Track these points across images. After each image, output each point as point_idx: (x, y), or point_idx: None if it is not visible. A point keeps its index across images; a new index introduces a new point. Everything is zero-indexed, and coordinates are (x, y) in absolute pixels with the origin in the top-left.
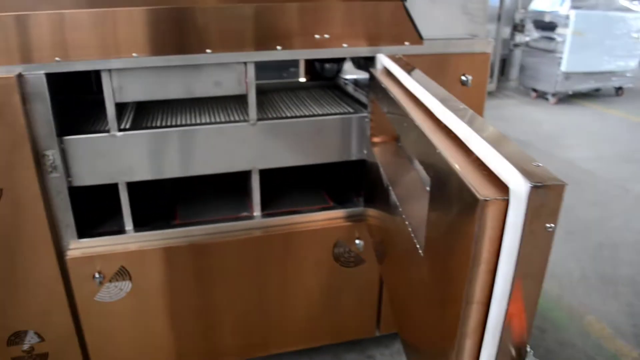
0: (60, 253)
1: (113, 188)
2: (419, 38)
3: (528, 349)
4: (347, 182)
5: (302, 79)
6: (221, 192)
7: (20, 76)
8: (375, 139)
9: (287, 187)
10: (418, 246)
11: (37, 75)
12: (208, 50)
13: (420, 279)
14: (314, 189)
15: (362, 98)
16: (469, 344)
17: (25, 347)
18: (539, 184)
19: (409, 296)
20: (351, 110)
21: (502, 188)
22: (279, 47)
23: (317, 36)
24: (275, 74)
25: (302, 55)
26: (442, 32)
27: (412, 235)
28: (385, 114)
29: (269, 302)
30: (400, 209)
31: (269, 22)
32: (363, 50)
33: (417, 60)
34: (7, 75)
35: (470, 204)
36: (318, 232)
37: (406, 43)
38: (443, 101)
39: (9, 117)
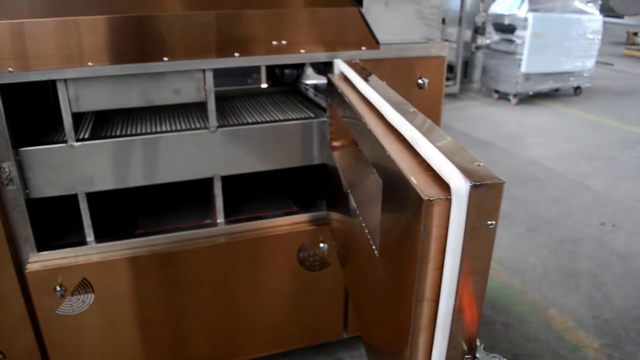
0: (19, 267)
1: (73, 199)
2: (375, 43)
3: (478, 342)
4: (310, 187)
5: (264, 85)
6: (184, 200)
7: None
8: (335, 144)
9: (250, 193)
10: (374, 247)
11: None
12: (165, 58)
13: (376, 279)
14: (278, 194)
15: (323, 103)
16: (422, 340)
17: None
18: (479, 183)
19: (367, 297)
20: (312, 115)
21: (446, 188)
22: (236, 54)
23: (274, 42)
24: (240, 80)
25: (260, 61)
26: (398, 37)
27: (369, 237)
28: (342, 118)
29: (237, 308)
30: (358, 212)
31: (227, 29)
32: (321, 56)
33: (374, 65)
34: None
35: (416, 203)
36: (282, 237)
37: (363, 48)
38: (394, 105)
39: None
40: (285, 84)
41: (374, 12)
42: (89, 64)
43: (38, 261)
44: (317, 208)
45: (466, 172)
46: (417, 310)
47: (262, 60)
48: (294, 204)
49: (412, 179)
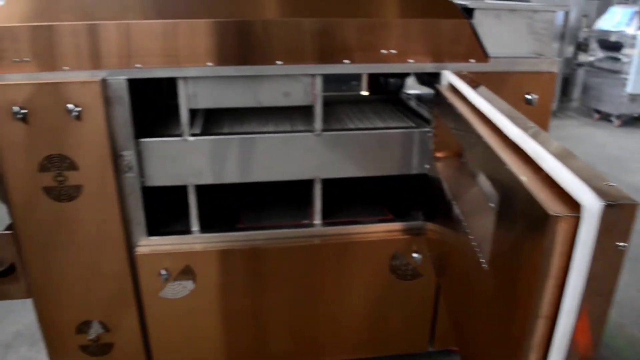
0: (130, 249)
1: (181, 190)
2: (484, 56)
3: None
4: (406, 196)
5: (364, 93)
6: (283, 199)
7: (104, 81)
8: (439, 154)
9: (347, 198)
10: (482, 260)
11: (119, 80)
12: (278, 62)
13: (484, 292)
14: (374, 201)
15: (425, 113)
16: (533, 358)
17: (92, 336)
18: (613, 203)
19: (470, 310)
20: (413, 124)
21: (573, 205)
22: (346, 61)
23: (383, 51)
24: (335, 86)
25: (368, 69)
26: (507, 51)
27: (476, 249)
28: (450, 129)
29: (322, 310)
30: (464, 224)
31: (339, 37)
32: (429, 67)
33: (481, 78)
34: (92, 79)
35: (540, 219)
36: (376, 244)
37: (472, 60)
38: (512, 119)
39: (93, 118)
40: (387, 92)
41: (485, 25)
42: (208, 64)
43: (147, 245)
44: (413, 217)
45: (598, 191)
46: (531, 326)
47: (371, 68)
48: (389, 211)
49: (537, 194)
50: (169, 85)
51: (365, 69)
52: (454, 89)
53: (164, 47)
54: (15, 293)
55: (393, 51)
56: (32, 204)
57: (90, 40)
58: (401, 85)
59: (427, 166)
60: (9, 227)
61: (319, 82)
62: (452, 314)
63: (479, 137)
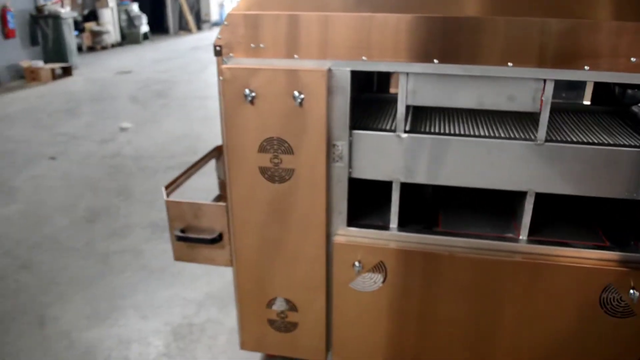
0: (328, 236)
1: (381, 184)
2: None
3: None
4: (626, 223)
5: (587, 102)
6: (486, 206)
7: (329, 71)
8: None
9: (556, 214)
10: None
11: (343, 71)
12: (510, 64)
13: None
14: (587, 223)
15: None
16: None
17: (281, 311)
18: None
19: None
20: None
21: None
22: (586, 67)
23: (633, 59)
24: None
25: (612, 78)
26: None
27: None
28: None
29: (511, 331)
30: None
31: (579, 39)
32: None
33: None
34: (319, 69)
35: None
36: (589, 272)
37: None
38: None
39: (315, 106)
40: (616, 104)
41: None
42: (435, 60)
43: (345, 235)
44: (632, 248)
45: None
46: None
47: (615, 77)
48: (605, 237)
49: None
50: (380, 79)
51: (608, 77)
52: None
53: (388, 42)
54: (220, 260)
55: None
56: (247, 182)
57: (321, 30)
58: (638, 98)
59: None
60: (218, 198)
61: (549, 88)
62: None
63: None
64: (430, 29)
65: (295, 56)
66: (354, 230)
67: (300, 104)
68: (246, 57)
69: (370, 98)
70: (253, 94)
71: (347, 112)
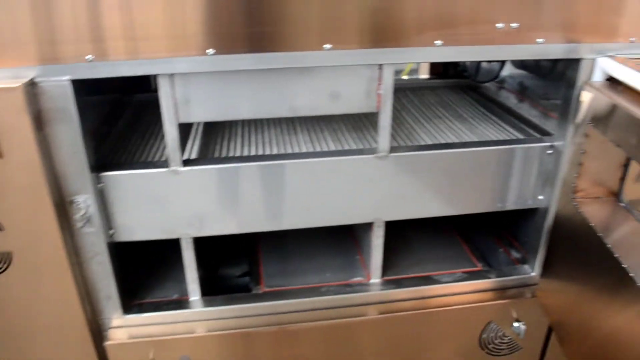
0: (97, 337)
1: (174, 243)
2: None
3: None
4: (496, 233)
5: (423, 76)
6: (321, 241)
7: (32, 85)
8: (585, 187)
9: (411, 234)
10: None
11: (59, 83)
12: (327, 46)
13: None
14: (447, 234)
15: (533, 117)
16: None
17: None
18: None
19: None
20: (521, 135)
21: None
22: (438, 42)
23: (500, 25)
24: None
25: (475, 54)
26: None
27: None
28: (618, 147)
29: None
30: None
31: (424, 4)
32: (567, 50)
33: None
34: (10, 85)
35: None
36: (462, 312)
37: (632, 39)
38: None
39: (17, 148)
40: (464, 77)
41: None
42: (209, 51)
43: (123, 327)
44: (514, 268)
45: None
46: None
47: (480, 53)
48: (475, 257)
49: None
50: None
51: (468, 54)
52: (615, 85)
53: (131, 25)
54: None
55: (513, 25)
56: None
57: (7, 14)
58: (498, 72)
59: (541, 197)
60: None
61: (388, 75)
62: None
63: None
64: (201, 3)
65: None
66: (135, 317)
67: None
68: None
69: (147, 100)
70: None
71: (81, 148)
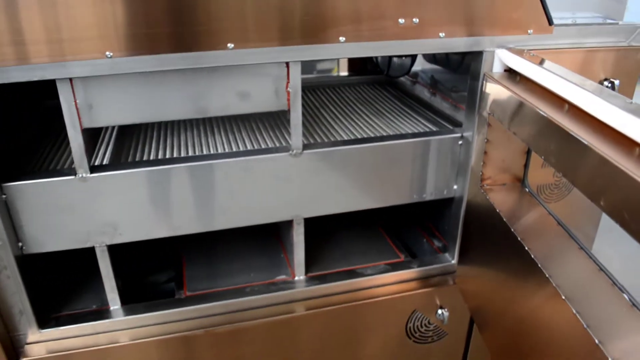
0: (12, 354)
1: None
2: (547, 23)
3: None
4: (417, 221)
5: (343, 73)
6: (245, 245)
7: None
8: (491, 174)
9: (336, 229)
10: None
11: None
12: (230, 45)
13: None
14: (373, 230)
15: (445, 109)
16: None
17: None
18: None
19: None
20: (434, 127)
21: None
22: (342, 39)
23: (401, 21)
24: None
25: (379, 50)
26: (567, 14)
27: (576, 312)
28: (515, 135)
29: None
30: (544, 270)
31: (327, 3)
32: (469, 43)
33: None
34: None
35: None
36: (387, 303)
37: (529, 31)
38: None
39: None
40: (379, 73)
41: None
42: (108, 53)
43: (40, 342)
44: (435, 257)
45: None
46: None
47: (383, 48)
48: (398, 248)
49: None
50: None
51: (372, 49)
52: (517, 76)
53: (20, 30)
54: None
55: (415, 20)
56: None
57: None
58: (411, 67)
59: (456, 187)
60: None
61: (296, 72)
62: None
63: (584, 148)
64: (96, 4)
65: None
66: (52, 331)
67: None
68: None
69: (58, 105)
70: None
71: None
